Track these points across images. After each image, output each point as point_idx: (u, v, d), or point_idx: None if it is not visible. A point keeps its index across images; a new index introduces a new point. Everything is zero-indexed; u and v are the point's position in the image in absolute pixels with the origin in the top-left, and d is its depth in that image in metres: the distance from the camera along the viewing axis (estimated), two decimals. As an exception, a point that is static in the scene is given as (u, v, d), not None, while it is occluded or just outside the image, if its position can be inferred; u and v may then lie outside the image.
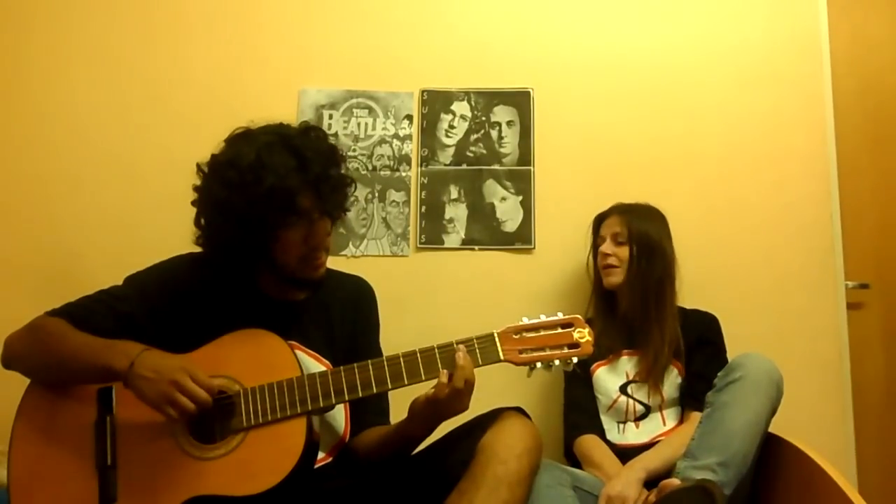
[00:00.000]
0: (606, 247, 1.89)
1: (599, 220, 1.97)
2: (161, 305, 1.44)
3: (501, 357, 1.34)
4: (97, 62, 2.19)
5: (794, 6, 2.24)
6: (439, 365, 1.33)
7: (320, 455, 1.43)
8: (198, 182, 1.45)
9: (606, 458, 1.70)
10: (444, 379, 1.31)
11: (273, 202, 1.35)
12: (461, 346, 1.33)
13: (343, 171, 1.48)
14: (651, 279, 1.85)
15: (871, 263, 2.37)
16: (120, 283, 1.48)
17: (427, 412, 1.35)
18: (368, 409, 1.52)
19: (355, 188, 1.54)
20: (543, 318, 1.38)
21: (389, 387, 1.34)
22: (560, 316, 1.39)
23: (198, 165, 1.45)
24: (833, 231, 2.15)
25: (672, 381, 1.80)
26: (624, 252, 1.87)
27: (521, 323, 1.37)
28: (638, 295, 1.85)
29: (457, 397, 1.31)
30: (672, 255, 1.91)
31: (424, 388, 1.36)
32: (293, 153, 1.38)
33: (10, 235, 2.11)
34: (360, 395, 1.34)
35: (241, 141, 1.43)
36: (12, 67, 2.18)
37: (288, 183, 1.35)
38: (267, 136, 1.41)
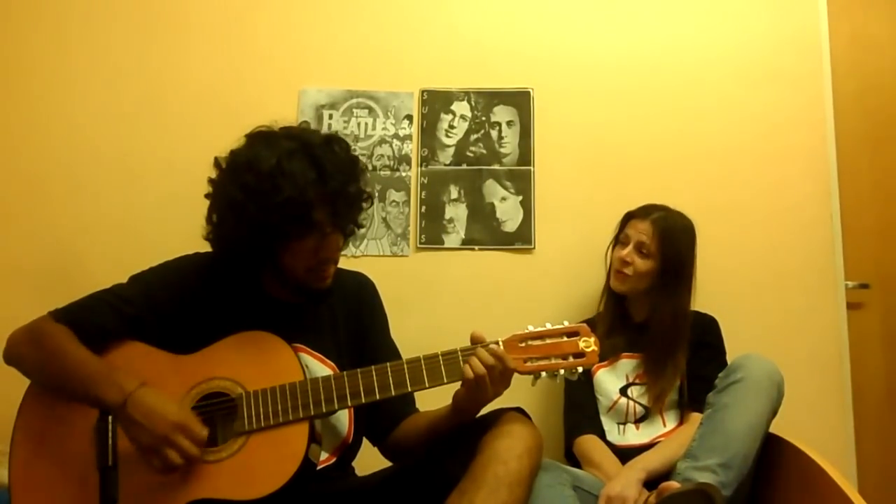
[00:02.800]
0: (628, 254, 1.84)
1: (629, 218, 1.91)
2: (167, 306, 1.43)
3: None
4: (97, 62, 2.19)
5: (794, 6, 2.24)
6: (443, 373, 1.33)
7: (324, 456, 1.43)
8: (213, 176, 1.43)
9: (606, 459, 1.70)
10: (471, 383, 1.31)
11: (288, 213, 1.33)
12: (471, 355, 1.32)
13: (361, 186, 1.45)
14: (679, 307, 1.81)
15: (871, 263, 2.37)
16: (119, 282, 1.47)
17: (469, 405, 1.35)
18: (397, 402, 1.48)
19: (372, 203, 1.52)
20: (549, 327, 1.37)
21: (392, 393, 1.34)
22: (566, 324, 1.38)
23: (216, 160, 1.43)
24: (833, 231, 2.15)
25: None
26: (643, 264, 1.82)
27: (526, 331, 1.37)
28: (665, 328, 1.79)
29: (491, 388, 1.31)
30: (693, 274, 1.86)
31: (430, 392, 1.37)
32: (314, 164, 1.36)
33: (10, 235, 2.11)
34: (364, 401, 1.34)
35: (262, 143, 1.39)
36: (12, 68, 2.18)
37: (305, 195, 1.33)
38: (289, 143, 1.38)
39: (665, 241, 1.82)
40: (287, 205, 1.32)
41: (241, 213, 1.35)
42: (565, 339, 1.36)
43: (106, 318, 1.39)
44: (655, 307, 1.83)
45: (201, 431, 1.28)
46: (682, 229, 1.86)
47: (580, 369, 1.35)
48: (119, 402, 1.26)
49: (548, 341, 1.36)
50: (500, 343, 1.35)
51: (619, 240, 1.92)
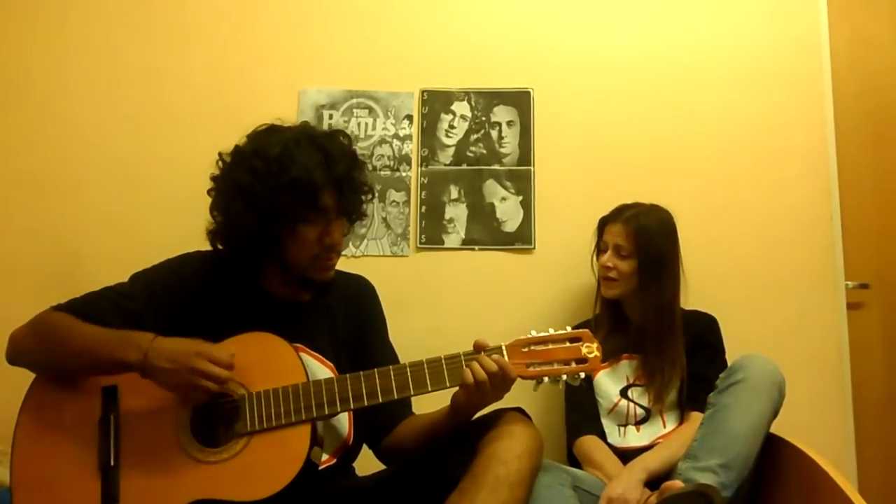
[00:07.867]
0: (608, 259, 1.84)
1: (603, 223, 1.92)
2: (168, 304, 1.43)
3: None
4: (97, 62, 2.19)
5: (794, 6, 2.24)
6: (446, 377, 1.33)
7: (325, 457, 1.44)
8: (216, 171, 1.45)
9: (608, 459, 1.70)
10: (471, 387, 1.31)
11: (296, 194, 1.35)
12: (473, 359, 1.32)
13: (363, 177, 1.49)
14: (664, 302, 1.80)
15: (871, 263, 2.37)
16: (120, 281, 1.47)
17: (468, 407, 1.36)
18: (393, 405, 1.47)
19: (373, 196, 1.55)
20: (552, 332, 1.38)
21: (395, 396, 1.34)
22: (568, 330, 1.38)
23: (220, 155, 1.45)
24: (833, 231, 2.15)
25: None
26: (625, 265, 1.82)
27: (529, 336, 1.37)
28: (653, 324, 1.79)
29: (492, 392, 1.32)
30: (679, 265, 1.87)
31: (431, 396, 1.37)
32: (319, 150, 1.40)
33: (10, 235, 2.11)
34: (366, 403, 1.34)
35: (268, 134, 1.44)
36: (12, 68, 2.17)
37: (313, 177, 1.36)
38: (293, 133, 1.43)
39: (640, 239, 1.81)
40: (296, 185, 1.35)
41: (250, 197, 1.36)
42: (568, 344, 1.36)
43: (106, 312, 1.39)
44: (645, 304, 1.83)
45: (222, 353, 1.28)
46: (656, 223, 1.85)
47: (582, 375, 1.35)
48: (140, 358, 1.27)
49: (550, 346, 1.36)
50: (504, 347, 1.35)
51: (599, 247, 1.92)
